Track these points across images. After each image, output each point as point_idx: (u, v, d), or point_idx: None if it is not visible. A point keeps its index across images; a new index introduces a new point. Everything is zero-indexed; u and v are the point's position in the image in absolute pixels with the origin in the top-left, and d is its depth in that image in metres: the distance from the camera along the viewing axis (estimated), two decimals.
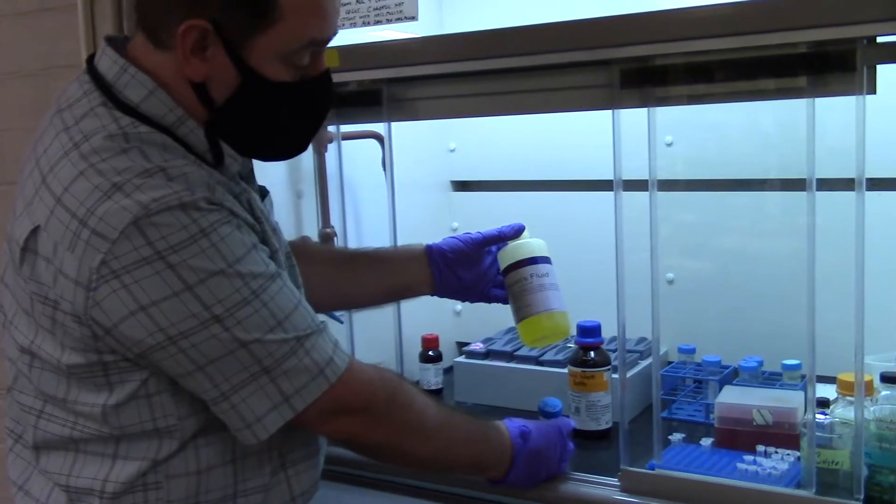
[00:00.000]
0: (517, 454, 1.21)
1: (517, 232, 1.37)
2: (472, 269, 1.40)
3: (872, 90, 1.08)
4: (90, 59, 1.05)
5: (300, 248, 1.30)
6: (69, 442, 1.02)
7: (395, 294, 1.44)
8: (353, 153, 1.66)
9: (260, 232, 1.03)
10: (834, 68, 1.08)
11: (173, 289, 0.92)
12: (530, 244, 1.35)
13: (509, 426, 1.22)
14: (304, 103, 1.07)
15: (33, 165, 1.01)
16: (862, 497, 1.13)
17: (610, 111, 1.24)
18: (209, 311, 0.94)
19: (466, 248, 1.39)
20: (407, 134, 1.64)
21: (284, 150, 1.14)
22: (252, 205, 1.05)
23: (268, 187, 1.19)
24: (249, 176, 1.12)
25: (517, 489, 1.25)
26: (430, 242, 1.40)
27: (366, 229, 1.69)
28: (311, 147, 1.39)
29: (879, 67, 1.09)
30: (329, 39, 1.04)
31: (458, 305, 2.05)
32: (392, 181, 1.53)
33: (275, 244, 1.06)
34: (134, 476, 1.00)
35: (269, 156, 1.14)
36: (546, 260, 1.35)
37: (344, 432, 1.07)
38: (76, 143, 0.97)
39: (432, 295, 1.41)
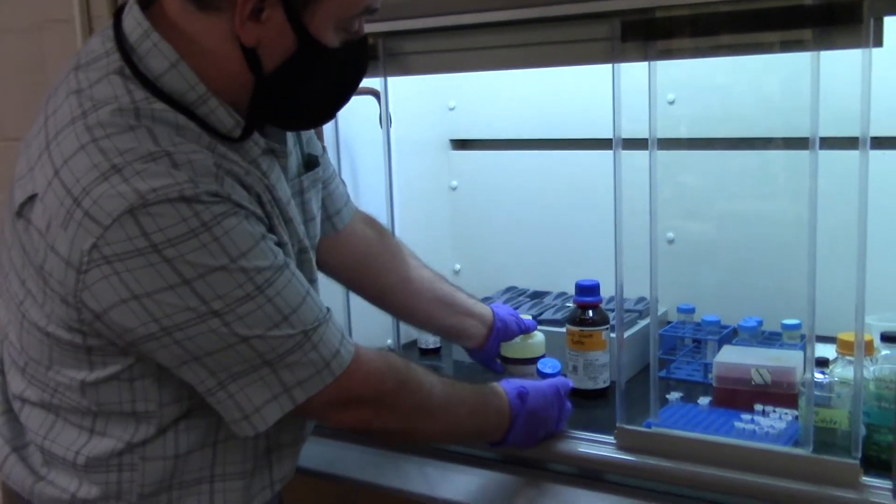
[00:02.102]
0: (516, 416, 1.20)
1: (531, 329, 1.47)
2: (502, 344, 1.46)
3: (879, 43, 1.06)
4: (118, 13, 0.99)
5: (411, 285, 1.35)
6: (49, 405, 1.00)
7: (441, 334, 1.53)
8: (350, 110, 1.63)
9: (267, 226, 0.98)
10: (840, 21, 1.05)
11: (168, 282, 0.88)
12: (535, 345, 1.47)
13: (507, 388, 1.22)
14: (347, 69, 1.04)
15: (42, 123, 0.97)
16: (860, 456, 1.13)
17: (610, 67, 1.21)
18: (207, 306, 0.89)
19: (517, 330, 1.45)
20: (405, 92, 1.62)
21: (320, 117, 1.11)
22: (273, 194, 1.00)
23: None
24: (279, 149, 1.05)
25: (515, 448, 1.25)
26: (494, 306, 1.46)
27: (363, 187, 1.67)
28: None
29: (887, 19, 1.06)
30: (377, 7, 1.01)
31: (457, 265, 2.04)
32: (388, 139, 1.51)
33: (283, 236, 1.01)
34: (107, 454, 0.98)
35: (302, 124, 1.10)
36: (543, 356, 1.46)
37: (353, 422, 1.05)
38: (85, 112, 0.92)
39: (467, 351, 1.47)
